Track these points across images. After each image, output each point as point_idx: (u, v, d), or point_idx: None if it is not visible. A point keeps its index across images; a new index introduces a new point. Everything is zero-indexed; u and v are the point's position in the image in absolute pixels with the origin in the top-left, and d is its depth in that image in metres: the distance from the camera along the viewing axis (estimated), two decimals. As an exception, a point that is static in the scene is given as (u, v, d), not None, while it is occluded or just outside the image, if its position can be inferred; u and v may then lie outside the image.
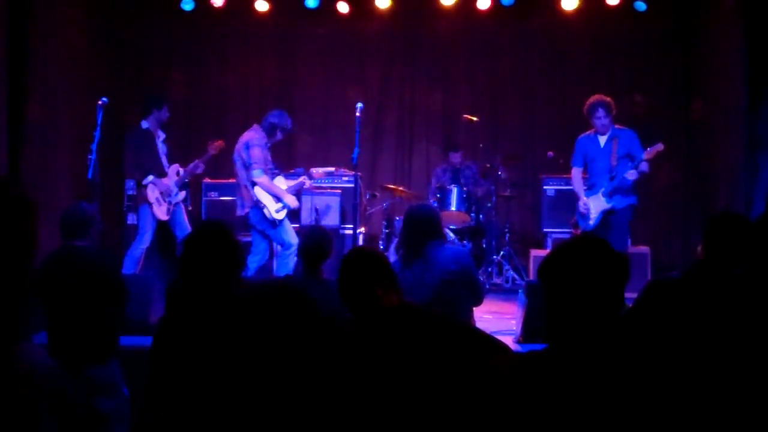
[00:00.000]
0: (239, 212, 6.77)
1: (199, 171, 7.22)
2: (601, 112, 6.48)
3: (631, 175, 6.33)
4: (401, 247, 4.22)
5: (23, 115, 6.84)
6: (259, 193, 6.57)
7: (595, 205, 6.54)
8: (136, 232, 7.04)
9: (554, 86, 9.16)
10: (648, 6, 8.65)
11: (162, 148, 7.08)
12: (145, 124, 7.00)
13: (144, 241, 6.90)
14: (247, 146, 6.56)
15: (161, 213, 6.91)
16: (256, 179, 6.54)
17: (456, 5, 8.85)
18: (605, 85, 9.13)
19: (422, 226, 4.13)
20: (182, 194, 7.14)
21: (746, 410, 2.66)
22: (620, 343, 1.90)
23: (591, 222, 6.55)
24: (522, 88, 9.29)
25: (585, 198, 6.57)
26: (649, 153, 6.32)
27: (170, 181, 7.00)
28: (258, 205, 6.56)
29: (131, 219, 7.41)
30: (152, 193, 6.87)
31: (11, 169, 6.66)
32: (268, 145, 6.69)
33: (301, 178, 6.97)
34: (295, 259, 6.55)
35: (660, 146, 6.33)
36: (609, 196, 6.46)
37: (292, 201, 6.70)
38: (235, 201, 7.91)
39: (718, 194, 7.94)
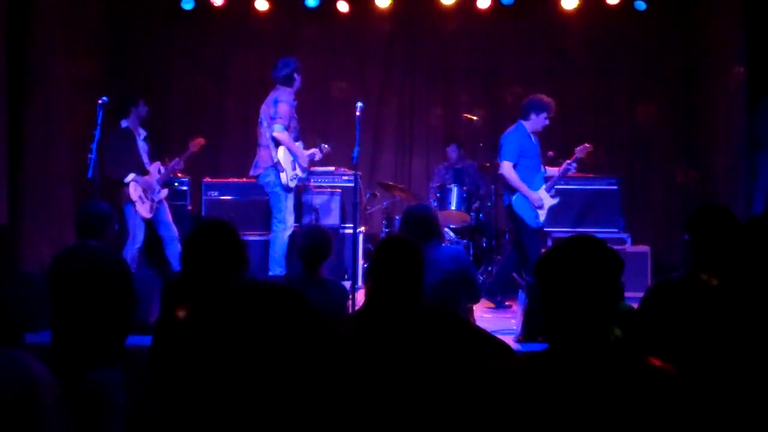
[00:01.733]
0: (252, 172, 6.81)
1: (178, 168, 7.25)
2: (551, 113, 6.54)
3: (571, 168, 6.66)
4: None
5: (23, 115, 6.84)
6: (282, 158, 6.60)
7: (546, 201, 6.57)
8: (126, 232, 7.02)
9: (554, 86, 9.15)
10: (648, 6, 8.65)
11: (143, 146, 7.08)
12: (125, 123, 7.01)
13: (136, 241, 6.89)
14: (276, 101, 6.62)
15: (144, 211, 6.91)
16: (276, 133, 6.56)
17: (456, 5, 8.85)
18: (605, 85, 9.15)
19: (420, 226, 4.14)
20: (164, 192, 7.16)
21: (747, 408, 2.66)
22: (625, 346, 1.91)
23: (542, 219, 6.54)
24: (522, 87, 9.28)
25: (536, 193, 6.52)
26: (580, 152, 6.63)
27: (152, 178, 7.00)
28: (277, 167, 6.59)
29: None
30: (134, 192, 6.88)
31: (12, 169, 6.66)
32: (295, 102, 6.73)
33: (312, 150, 6.99)
34: (288, 233, 6.61)
35: (589, 146, 6.69)
36: (552, 194, 6.59)
37: (306, 158, 6.79)
38: (236, 200, 7.90)
39: (718, 194, 7.94)
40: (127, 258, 6.79)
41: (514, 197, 6.55)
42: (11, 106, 6.65)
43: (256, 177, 6.76)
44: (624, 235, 8.08)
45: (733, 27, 7.63)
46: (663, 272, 6.87)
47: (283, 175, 6.60)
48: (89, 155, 5.99)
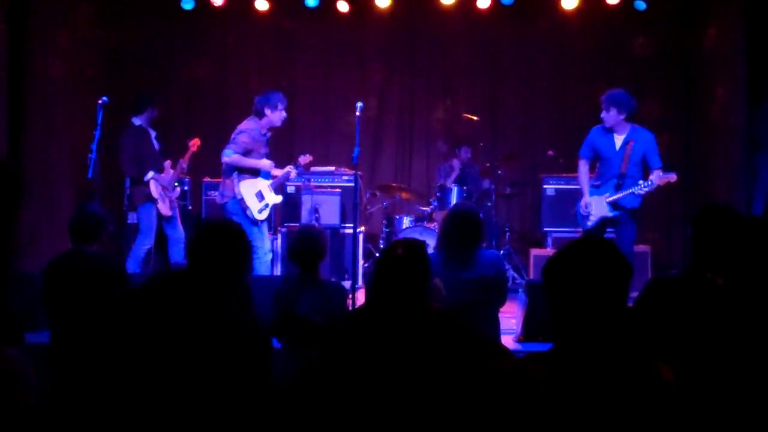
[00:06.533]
0: (219, 200, 6.58)
1: (185, 168, 7.21)
2: (613, 110, 6.03)
3: (641, 189, 5.91)
4: (441, 246, 4.20)
5: (24, 115, 6.84)
6: (245, 192, 6.39)
7: (597, 208, 6.09)
8: (136, 230, 6.99)
9: (554, 85, 9.16)
10: (648, 6, 8.64)
11: (156, 145, 7.08)
12: (137, 121, 6.98)
13: (149, 241, 6.85)
14: (239, 132, 6.44)
15: (165, 209, 6.89)
16: (224, 158, 6.36)
17: (456, 5, 8.84)
18: (605, 85, 9.12)
19: (467, 227, 4.13)
20: (177, 190, 7.15)
21: (747, 409, 2.66)
22: (624, 342, 1.90)
23: (589, 223, 6.14)
24: (522, 87, 9.29)
25: (588, 197, 6.13)
26: (661, 179, 5.90)
27: (168, 176, 7.00)
28: (241, 204, 6.37)
29: (131, 218, 7.39)
30: (156, 189, 6.84)
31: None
32: (267, 134, 6.54)
33: (287, 168, 6.76)
34: (269, 259, 6.50)
35: (673, 176, 5.93)
36: (612, 206, 6.04)
37: (267, 165, 6.48)
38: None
39: (718, 194, 7.93)
40: (137, 257, 6.77)
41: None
42: (11, 107, 6.66)
43: (223, 206, 6.47)
44: (624, 235, 8.06)
45: (733, 27, 7.63)
46: (662, 272, 6.85)
47: (248, 212, 6.35)
48: (89, 155, 5.99)
